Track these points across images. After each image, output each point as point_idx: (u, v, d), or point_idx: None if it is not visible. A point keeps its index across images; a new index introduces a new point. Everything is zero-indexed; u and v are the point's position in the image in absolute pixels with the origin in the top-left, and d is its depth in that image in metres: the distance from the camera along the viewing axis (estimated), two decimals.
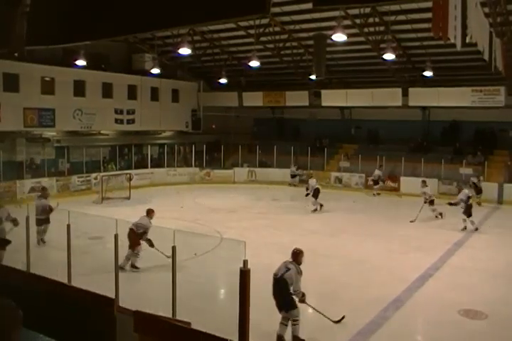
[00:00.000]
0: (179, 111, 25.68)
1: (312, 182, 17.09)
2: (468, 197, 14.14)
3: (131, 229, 9.63)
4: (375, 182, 20.73)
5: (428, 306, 8.18)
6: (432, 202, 15.52)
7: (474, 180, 18.25)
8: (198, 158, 24.35)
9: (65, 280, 6.51)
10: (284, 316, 6.64)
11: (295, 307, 6.62)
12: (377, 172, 20.63)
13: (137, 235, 9.71)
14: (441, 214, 15.49)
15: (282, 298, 6.58)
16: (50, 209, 11.71)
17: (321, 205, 16.77)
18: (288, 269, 6.65)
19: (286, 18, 19.14)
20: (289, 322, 6.64)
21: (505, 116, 20.74)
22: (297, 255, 6.94)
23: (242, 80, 25.29)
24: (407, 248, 11.98)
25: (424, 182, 16.17)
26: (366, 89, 22.50)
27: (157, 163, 24.05)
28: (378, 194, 20.57)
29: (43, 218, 11.62)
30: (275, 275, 6.66)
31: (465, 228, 13.98)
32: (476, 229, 13.95)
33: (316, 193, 16.67)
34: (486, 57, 9.71)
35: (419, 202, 15.62)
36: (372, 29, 18.17)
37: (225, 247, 10.67)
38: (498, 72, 12.61)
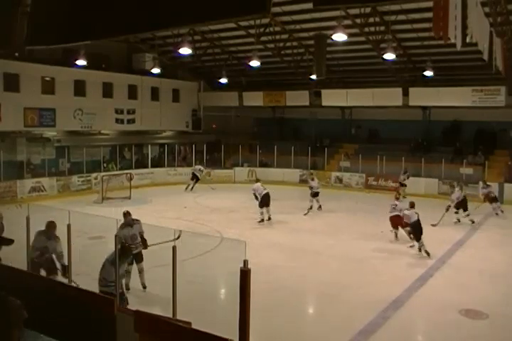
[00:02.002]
0: (179, 111, 25.69)
1: (314, 182, 16.71)
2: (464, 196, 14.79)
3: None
4: (402, 185, 19.81)
5: (428, 306, 8.18)
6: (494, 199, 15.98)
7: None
8: (198, 158, 24.36)
9: (65, 280, 6.52)
10: None
11: None
12: (402, 176, 19.84)
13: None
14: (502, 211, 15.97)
15: None
16: (143, 240, 8.65)
17: (311, 207, 16.27)
18: None
19: (287, 18, 19.13)
20: None
21: (506, 116, 20.74)
22: None
23: (243, 80, 25.28)
24: (407, 248, 11.97)
25: (452, 186, 15.89)
26: (366, 89, 22.49)
27: (157, 163, 24.06)
28: (404, 197, 18.72)
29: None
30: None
31: (458, 221, 14.73)
32: (473, 222, 14.59)
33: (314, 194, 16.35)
34: (486, 57, 9.72)
35: (420, 202, 15.60)
36: (372, 29, 18.16)
37: (225, 247, 10.67)
38: (499, 72, 12.61)
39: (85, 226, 11.32)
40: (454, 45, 7.44)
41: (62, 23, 4.36)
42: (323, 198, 16.87)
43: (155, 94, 24.37)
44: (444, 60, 19.54)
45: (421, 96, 21.21)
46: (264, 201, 14.72)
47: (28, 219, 7.39)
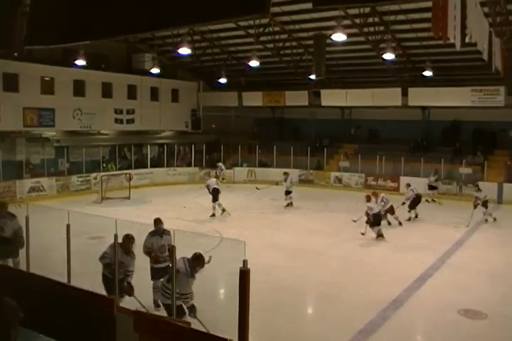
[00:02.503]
0: (179, 111, 25.68)
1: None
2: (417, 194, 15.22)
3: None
4: (432, 188, 19.12)
5: (427, 306, 8.18)
6: (485, 204, 14.95)
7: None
8: (197, 158, 24.36)
9: (65, 280, 6.51)
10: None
11: None
12: (432, 178, 19.13)
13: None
14: (494, 218, 15.14)
15: None
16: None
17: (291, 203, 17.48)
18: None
19: (286, 18, 19.13)
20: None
21: (505, 116, 20.75)
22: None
23: (242, 80, 25.28)
24: (406, 248, 11.98)
25: (477, 186, 15.88)
26: (366, 89, 22.49)
27: (157, 163, 24.06)
28: (434, 200, 18.66)
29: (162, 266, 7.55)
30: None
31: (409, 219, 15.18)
32: (409, 219, 15.06)
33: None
34: (485, 57, 9.72)
35: (421, 204, 15.64)
36: (371, 29, 18.16)
37: (224, 247, 10.65)
38: (498, 72, 12.62)
39: (85, 226, 11.26)
40: (453, 45, 7.44)
41: (62, 23, 4.36)
42: (324, 198, 16.90)
43: (154, 94, 24.37)
44: (443, 60, 19.55)
45: (420, 97, 21.21)
46: (214, 195, 15.63)
47: (27, 219, 7.39)
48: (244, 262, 4.72)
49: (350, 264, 10.61)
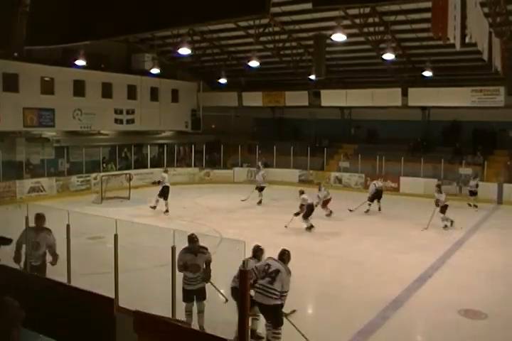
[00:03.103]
0: (179, 111, 25.68)
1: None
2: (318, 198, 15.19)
3: None
4: (472, 193, 18.33)
5: (427, 306, 8.18)
6: (443, 210, 14.12)
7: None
8: (197, 158, 24.35)
9: (65, 280, 6.51)
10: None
11: None
12: (472, 182, 18.44)
13: None
14: (451, 222, 14.19)
15: None
16: (208, 270, 7.06)
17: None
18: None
19: (286, 18, 19.14)
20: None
21: (505, 116, 20.75)
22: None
23: (242, 80, 25.28)
24: (406, 248, 11.99)
25: (438, 186, 14.97)
26: (366, 89, 22.49)
27: (157, 163, 24.05)
28: (476, 206, 17.97)
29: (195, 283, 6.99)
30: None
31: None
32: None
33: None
34: (485, 57, 9.72)
35: (419, 203, 15.65)
36: (371, 29, 18.17)
37: (224, 247, 10.64)
38: (498, 72, 12.62)
39: (84, 226, 11.30)
40: (453, 46, 7.44)
41: (62, 23, 4.36)
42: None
43: (154, 94, 24.37)
44: (443, 60, 19.55)
45: (420, 97, 21.22)
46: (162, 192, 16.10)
47: (27, 219, 7.40)
48: (244, 262, 4.73)
49: (350, 264, 10.61)
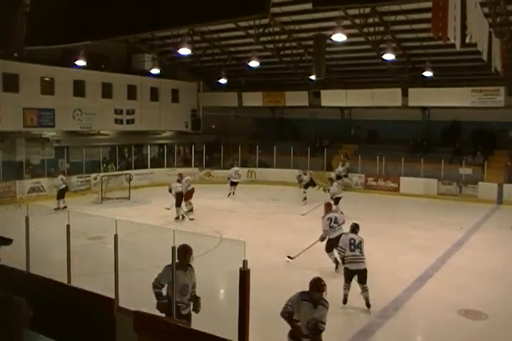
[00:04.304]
0: (179, 111, 25.69)
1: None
2: None
3: None
4: (339, 178, 19.34)
5: (428, 306, 8.18)
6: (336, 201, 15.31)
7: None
8: (197, 158, 24.34)
9: (65, 280, 6.50)
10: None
11: None
12: (340, 168, 19.71)
13: None
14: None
15: None
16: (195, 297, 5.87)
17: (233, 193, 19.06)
18: None
19: (286, 19, 19.14)
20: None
21: (505, 117, 20.75)
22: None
23: (242, 80, 25.29)
24: (406, 248, 11.98)
25: (330, 179, 16.91)
26: (366, 90, 22.50)
27: (157, 163, 24.06)
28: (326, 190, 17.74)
29: None
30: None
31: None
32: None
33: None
34: (485, 57, 9.73)
35: (419, 203, 15.64)
36: (372, 29, 18.18)
37: (224, 247, 10.65)
38: (498, 72, 12.63)
39: (84, 226, 11.32)
40: (453, 46, 7.45)
41: (62, 23, 4.35)
42: (323, 198, 16.82)
43: (154, 94, 24.38)
44: (443, 60, 19.56)
45: (420, 97, 21.22)
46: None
47: (27, 219, 7.39)
48: (244, 262, 4.73)
49: None
